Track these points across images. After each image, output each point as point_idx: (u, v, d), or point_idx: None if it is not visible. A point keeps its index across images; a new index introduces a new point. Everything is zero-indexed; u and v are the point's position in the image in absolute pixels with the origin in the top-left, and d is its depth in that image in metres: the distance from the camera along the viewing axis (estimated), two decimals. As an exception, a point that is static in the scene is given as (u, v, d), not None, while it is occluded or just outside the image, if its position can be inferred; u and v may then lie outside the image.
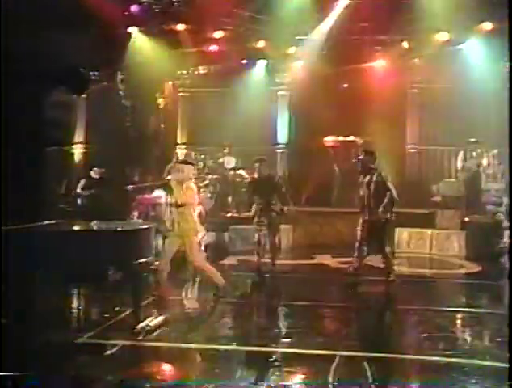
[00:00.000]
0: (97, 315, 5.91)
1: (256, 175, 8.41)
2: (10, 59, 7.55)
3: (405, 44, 11.80)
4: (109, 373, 4.24)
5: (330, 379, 4.09)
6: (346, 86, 12.81)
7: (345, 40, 11.79)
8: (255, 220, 8.11)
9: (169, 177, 6.95)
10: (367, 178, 7.22)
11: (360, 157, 7.51)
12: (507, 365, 3.63)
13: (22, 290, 5.42)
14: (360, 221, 7.24)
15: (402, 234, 10.39)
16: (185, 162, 7.44)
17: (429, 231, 10.36)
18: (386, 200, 6.99)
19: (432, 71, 12.02)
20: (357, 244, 7.24)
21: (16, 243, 5.24)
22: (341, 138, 12.60)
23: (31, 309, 5.40)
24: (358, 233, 7.22)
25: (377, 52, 12.30)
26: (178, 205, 6.36)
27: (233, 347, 4.98)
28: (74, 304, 6.48)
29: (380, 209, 6.98)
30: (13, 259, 5.07)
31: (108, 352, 4.82)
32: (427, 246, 10.30)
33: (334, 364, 4.32)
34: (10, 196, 6.94)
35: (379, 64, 12.49)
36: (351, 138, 12.54)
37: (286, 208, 8.11)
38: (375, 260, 8.79)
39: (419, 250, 10.28)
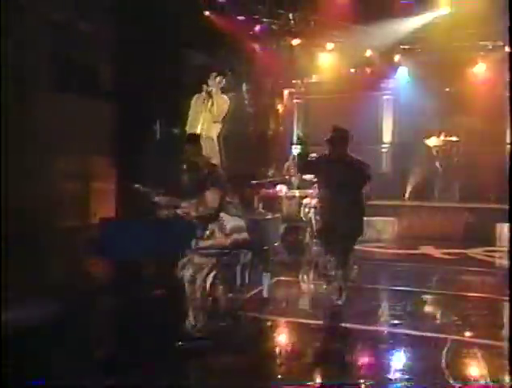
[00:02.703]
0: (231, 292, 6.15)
1: None
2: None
3: (507, 49, 11.14)
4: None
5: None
6: (447, 89, 12.32)
7: (447, 47, 11.39)
8: None
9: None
10: (337, 167, 5.19)
11: (330, 136, 5.29)
12: None
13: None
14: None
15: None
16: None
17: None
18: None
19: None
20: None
21: (166, 230, 5.69)
22: (442, 138, 12.14)
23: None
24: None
25: (479, 57, 11.75)
26: None
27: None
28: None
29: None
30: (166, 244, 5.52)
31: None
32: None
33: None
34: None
35: (480, 68, 11.89)
36: (453, 138, 12.05)
37: None
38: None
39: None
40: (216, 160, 6.37)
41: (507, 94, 11.76)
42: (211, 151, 6.43)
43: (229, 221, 4.53)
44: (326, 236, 5.41)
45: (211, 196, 4.37)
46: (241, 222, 4.63)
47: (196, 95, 6.49)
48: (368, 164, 5.34)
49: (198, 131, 6.33)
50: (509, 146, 11.29)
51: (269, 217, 6.28)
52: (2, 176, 5.36)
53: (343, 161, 5.17)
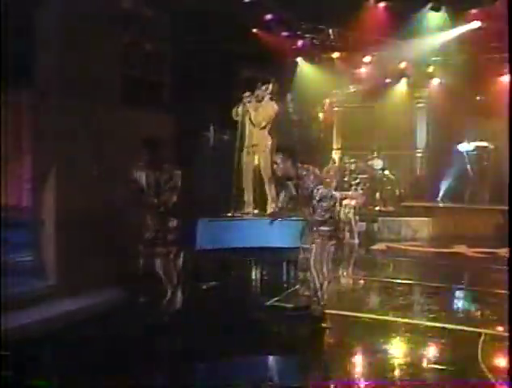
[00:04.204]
0: (279, 285, 6.18)
1: None
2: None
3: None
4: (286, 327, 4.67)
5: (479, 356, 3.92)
6: (478, 98, 11.97)
7: (477, 58, 11.09)
8: None
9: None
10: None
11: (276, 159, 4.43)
12: None
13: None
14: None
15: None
16: None
17: None
18: None
19: None
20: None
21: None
22: (473, 143, 11.81)
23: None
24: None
25: (506, 68, 11.37)
26: None
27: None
28: (263, 275, 6.83)
29: None
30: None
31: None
32: None
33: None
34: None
35: (507, 78, 11.52)
36: (483, 143, 11.71)
37: None
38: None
39: None
40: (267, 166, 6.28)
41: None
42: (261, 157, 6.32)
43: None
44: None
45: None
46: None
47: (241, 107, 6.33)
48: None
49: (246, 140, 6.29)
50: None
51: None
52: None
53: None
